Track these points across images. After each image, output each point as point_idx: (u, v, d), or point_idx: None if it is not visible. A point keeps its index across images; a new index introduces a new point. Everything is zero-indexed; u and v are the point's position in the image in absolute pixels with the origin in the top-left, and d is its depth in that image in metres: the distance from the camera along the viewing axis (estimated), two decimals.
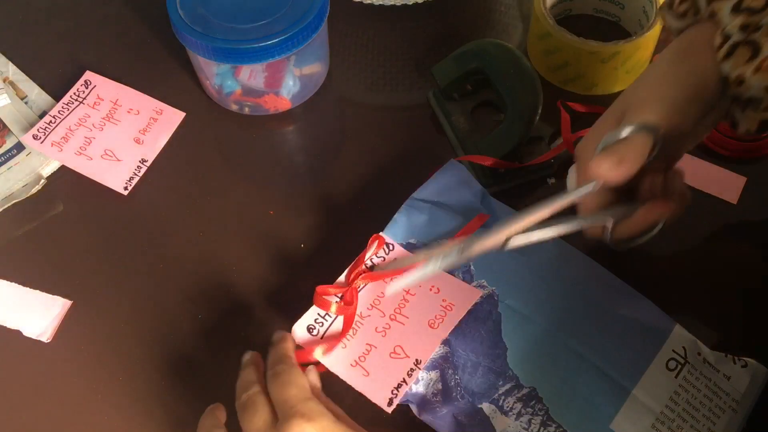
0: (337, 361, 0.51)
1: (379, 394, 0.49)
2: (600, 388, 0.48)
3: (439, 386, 0.50)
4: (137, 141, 0.67)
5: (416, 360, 0.50)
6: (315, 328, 0.52)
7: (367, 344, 0.51)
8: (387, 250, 0.55)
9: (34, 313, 0.58)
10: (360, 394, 0.49)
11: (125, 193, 0.64)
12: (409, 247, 0.56)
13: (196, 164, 0.66)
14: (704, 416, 0.48)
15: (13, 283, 0.60)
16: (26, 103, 0.70)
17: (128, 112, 0.68)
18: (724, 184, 0.62)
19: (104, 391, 0.55)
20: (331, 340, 0.52)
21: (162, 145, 0.67)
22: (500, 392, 0.49)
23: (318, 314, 0.53)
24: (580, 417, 0.47)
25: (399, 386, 0.49)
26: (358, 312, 0.52)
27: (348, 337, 0.52)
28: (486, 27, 0.75)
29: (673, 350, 0.50)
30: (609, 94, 0.68)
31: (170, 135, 0.67)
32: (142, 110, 0.68)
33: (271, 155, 0.68)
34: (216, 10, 0.63)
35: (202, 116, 0.69)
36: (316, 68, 0.69)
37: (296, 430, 0.42)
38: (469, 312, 0.51)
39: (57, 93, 0.70)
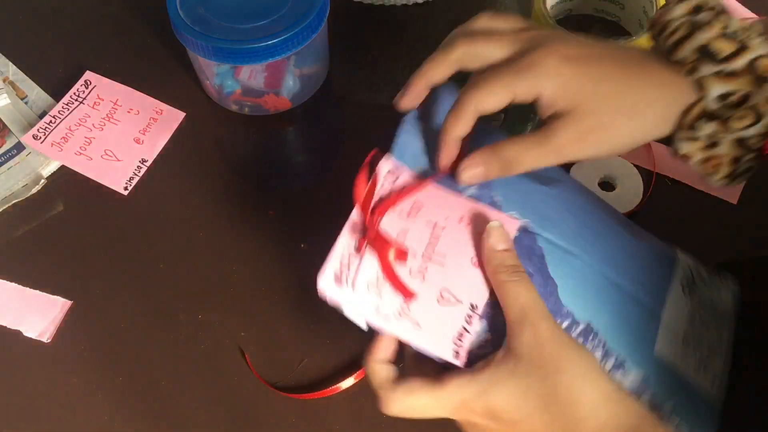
0: (376, 313, 0.44)
1: (441, 347, 0.43)
2: (641, 316, 0.48)
3: (488, 336, 0.44)
4: (137, 141, 0.67)
5: (471, 305, 0.44)
6: (342, 274, 0.45)
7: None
8: (396, 176, 0.47)
9: (34, 313, 0.58)
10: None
11: (125, 193, 0.64)
12: (422, 174, 0.47)
13: (196, 164, 0.66)
14: (715, 328, 0.50)
15: (13, 283, 0.60)
16: (26, 103, 0.70)
17: (128, 112, 0.68)
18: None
19: (104, 391, 0.55)
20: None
21: (162, 145, 0.67)
22: None
23: (342, 256, 0.45)
24: (631, 346, 0.47)
25: (461, 336, 0.43)
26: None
27: (379, 283, 0.44)
28: None
29: (682, 269, 0.51)
30: None
31: (170, 135, 0.67)
32: (142, 110, 0.68)
33: (271, 155, 0.68)
34: (216, 10, 0.63)
35: (202, 116, 0.69)
36: (316, 68, 0.69)
37: (448, 407, 0.40)
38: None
39: (57, 93, 0.70)
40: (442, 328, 0.43)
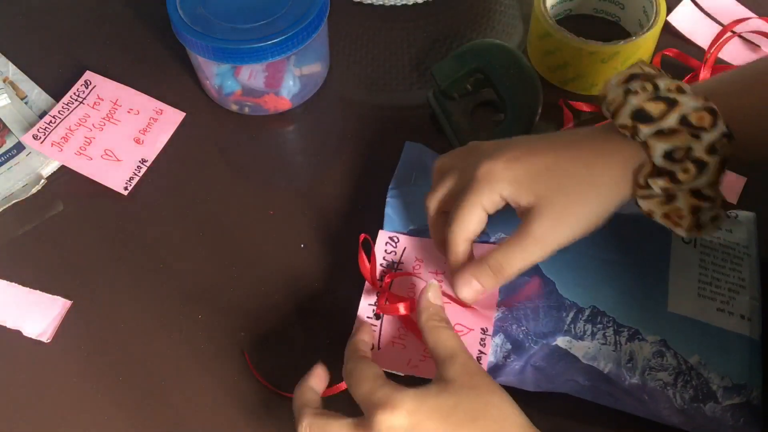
0: (403, 363, 0.50)
1: None
2: (644, 283, 0.51)
3: (508, 346, 0.50)
4: (137, 141, 0.67)
5: (482, 329, 0.50)
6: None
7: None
8: (394, 243, 0.56)
9: (34, 313, 0.58)
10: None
11: (125, 193, 0.64)
12: (412, 231, 0.56)
13: (196, 164, 0.66)
14: (730, 269, 0.52)
15: (13, 283, 0.60)
16: (26, 103, 0.70)
17: (128, 112, 0.68)
18: (724, 184, 0.62)
19: (104, 391, 0.55)
20: (390, 348, 0.51)
21: (162, 145, 0.67)
22: (568, 322, 0.50)
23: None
24: (642, 313, 0.50)
25: (479, 359, 0.49)
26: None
27: (401, 336, 0.51)
28: (486, 27, 0.75)
29: None
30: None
31: (170, 135, 0.67)
32: (142, 110, 0.68)
33: (271, 155, 0.68)
34: (216, 10, 0.63)
35: (202, 116, 0.69)
36: (316, 68, 0.69)
37: (384, 424, 0.41)
38: None
39: (57, 93, 0.70)
40: None
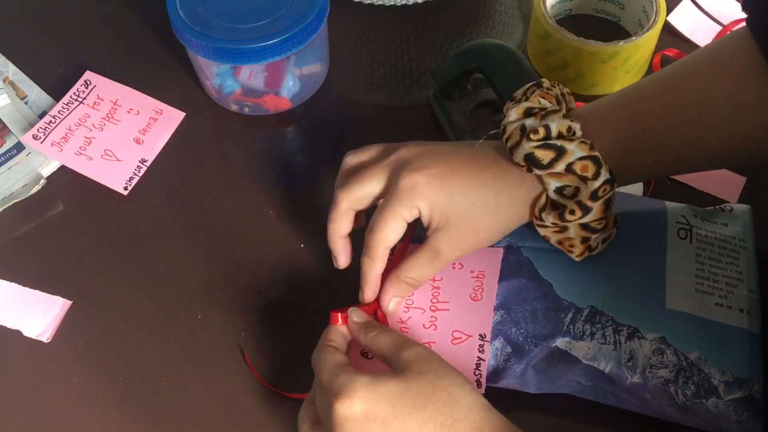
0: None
1: None
2: (640, 281, 0.51)
3: (509, 349, 0.50)
4: (137, 141, 0.67)
5: (480, 335, 0.50)
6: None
7: (426, 343, 0.50)
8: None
9: (34, 313, 0.58)
10: None
11: (125, 193, 0.64)
12: (417, 240, 0.55)
13: (196, 164, 0.66)
14: (727, 263, 0.52)
15: (13, 283, 0.60)
16: (26, 103, 0.70)
17: (128, 112, 0.68)
18: (724, 183, 0.62)
19: (104, 391, 0.55)
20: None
21: (162, 145, 0.67)
22: (567, 323, 0.50)
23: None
24: (640, 311, 0.50)
25: (478, 365, 0.49)
26: (397, 319, 0.52)
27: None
28: (486, 27, 0.75)
29: (676, 222, 0.54)
30: (609, 94, 0.68)
31: (170, 135, 0.67)
32: (142, 110, 0.68)
33: (271, 155, 0.68)
34: (216, 10, 0.63)
35: (202, 116, 0.69)
36: (316, 68, 0.69)
37: (340, 414, 0.42)
38: (501, 269, 0.52)
39: (57, 93, 0.70)
40: (461, 364, 0.47)
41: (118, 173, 0.65)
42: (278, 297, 0.58)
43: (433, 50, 0.73)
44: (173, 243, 0.62)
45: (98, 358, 0.56)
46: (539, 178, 0.48)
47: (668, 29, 0.71)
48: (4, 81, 0.71)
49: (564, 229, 0.49)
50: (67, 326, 0.58)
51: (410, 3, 0.75)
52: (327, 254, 0.60)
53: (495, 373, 0.50)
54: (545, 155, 0.47)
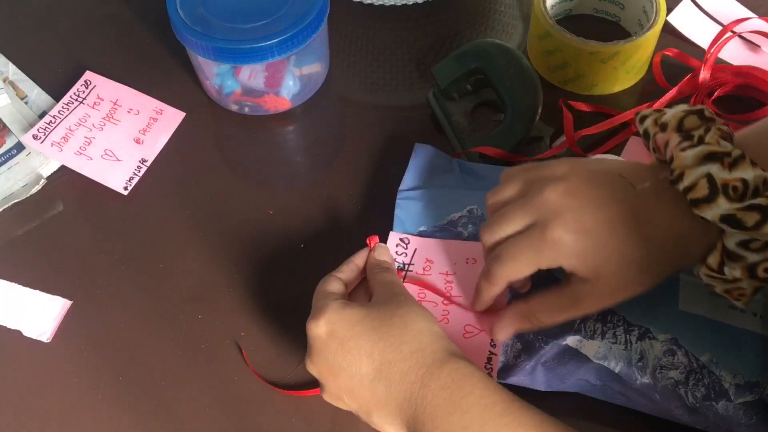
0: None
1: None
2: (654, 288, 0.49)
3: (519, 346, 0.50)
4: (137, 141, 0.67)
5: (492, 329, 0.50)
6: None
7: None
8: (405, 245, 0.56)
9: (34, 313, 0.58)
10: None
11: (125, 193, 0.64)
12: (422, 233, 0.56)
13: (196, 164, 0.66)
14: None
15: (13, 283, 0.60)
16: (26, 103, 0.70)
17: (128, 112, 0.68)
18: None
19: (104, 391, 0.55)
20: None
21: (162, 145, 0.67)
22: (578, 322, 0.50)
23: None
24: (653, 312, 0.50)
25: (490, 359, 0.49)
26: None
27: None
28: (486, 27, 0.75)
29: None
30: (609, 94, 0.68)
31: (170, 135, 0.67)
32: (142, 110, 0.68)
33: (271, 155, 0.68)
34: (216, 10, 0.63)
35: (202, 116, 0.69)
36: (316, 68, 0.69)
37: (311, 333, 0.47)
38: None
39: (57, 93, 0.70)
40: (473, 358, 0.46)
41: (118, 173, 0.65)
42: (278, 297, 0.58)
43: (433, 50, 0.73)
44: (173, 243, 0.62)
45: (98, 358, 0.56)
46: (718, 228, 0.42)
47: (668, 29, 0.71)
48: (4, 81, 0.71)
49: (737, 279, 0.44)
50: (67, 326, 0.58)
51: (410, 3, 0.75)
52: (327, 254, 0.60)
53: (504, 370, 0.50)
54: (750, 218, 0.41)
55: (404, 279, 0.54)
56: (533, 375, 0.50)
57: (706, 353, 0.48)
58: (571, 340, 0.50)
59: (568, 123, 0.63)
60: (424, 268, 0.54)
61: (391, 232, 0.56)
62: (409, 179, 0.60)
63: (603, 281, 0.45)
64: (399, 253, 0.55)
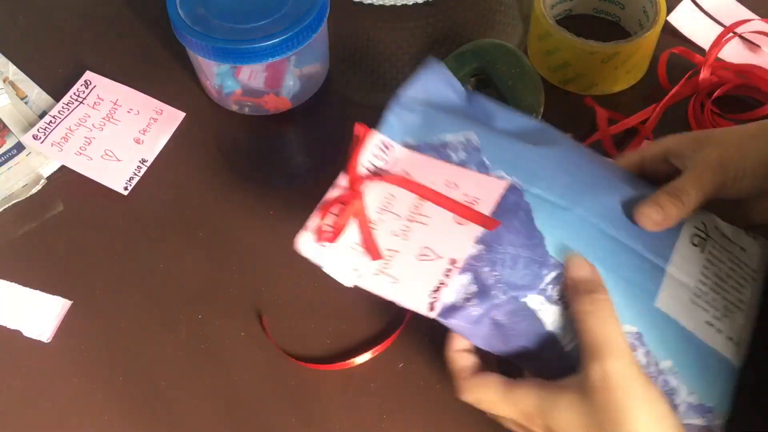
0: (355, 272, 0.46)
1: (416, 301, 0.44)
2: (639, 269, 0.47)
3: (474, 288, 0.45)
4: (137, 141, 0.67)
5: (451, 260, 0.44)
6: (323, 235, 0.47)
7: (387, 250, 0.45)
8: (385, 150, 0.49)
9: (34, 313, 0.58)
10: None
11: (125, 193, 0.64)
12: (408, 145, 0.49)
13: (196, 164, 0.66)
14: (732, 287, 0.49)
15: (13, 283, 0.60)
16: (26, 103, 0.70)
17: (128, 112, 0.68)
18: None
19: (104, 391, 0.55)
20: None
21: (162, 145, 0.67)
22: (546, 281, 0.45)
23: (323, 221, 0.47)
24: (626, 299, 0.46)
25: (438, 289, 0.44)
26: (367, 218, 0.46)
27: (361, 244, 0.46)
28: (486, 27, 0.75)
29: (694, 226, 0.50)
30: (609, 94, 0.68)
31: (170, 135, 0.67)
32: (142, 110, 0.68)
33: (271, 155, 0.68)
34: (216, 10, 0.63)
35: (202, 116, 0.69)
36: (316, 68, 0.69)
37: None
38: (497, 205, 0.46)
39: (57, 93, 0.70)
40: (419, 282, 0.44)
41: (118, 173, 0.65)
42: (278, 297, 0.58)
43: (433, 50, 0.73)
44: (173, 243, 0.62)
45: (98, 358, 0.56)
46: None
47: (668, 29, 0.71)
48: (4, 81, 0.71)
49: None
50: (67, 326, 0.58)
51: (410, 3, 0.75)
52: None
53: (449, 310, 0.44)
54: None
55: (373, 178, 0.48)
56: (477, 325, 0.45)
57: (669, 360, 0.45)
58: (531, 299, 0.44)
59: (602, 121, 0.64)
60: (398, 178, 0.48)
61: (374, 131, 0.49)
62: (411, 90, 0.52)
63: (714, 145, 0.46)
64: (376, 156, 0.49)
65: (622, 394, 0.39)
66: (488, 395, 0.44)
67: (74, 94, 0.69)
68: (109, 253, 0.61)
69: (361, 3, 0.75)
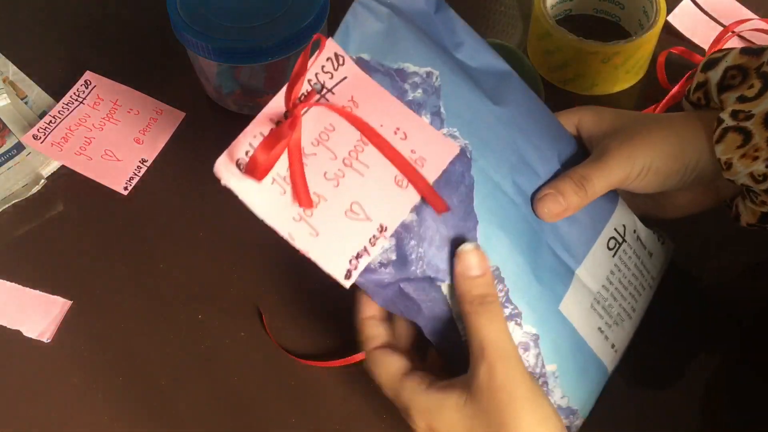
0: (275, 210, 0.41)
1: (334, 262, 0.40)
2: (552, 269, 0.45)
3: (393, 257, 0.41)
4: (137, 141, 0.67)
5: (380, 225, 0.40)
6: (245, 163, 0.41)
7: (314, 193, 0.40)
8: (335, 64, 0.41)
9: (34, 313, 0.58)
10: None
11: (125, 193, 0.64)
12: (361, 62, 0.41)
13: (196, 164, 0.66)
14: (630, 294, 0.48)
15: (13, 283, 0.60)
16: (26, 103, 0.70)
17: (128, 112, 0.68)
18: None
19: (104, 391, 0.55)
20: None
21: (162, 145, 0.67)
22: None
23: (250, 145, 0.41)
24: (534, 299, 0.44)
25: (359, 256, 0.39)
26: (302, 149, 0.40)
27: (287, 180, 0.40)
28: (486, 27, 0.75)
29: (614, 228, 0.47)
30: (609, 93, 0.68)
31: (170, 135, 0.67)
32: (142, 110, 0.68)
33: None
34: (216, 10, 0.63)
35: (202, 116, 0.69)
36: None
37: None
38: (443, 172, 0.41)
39: (57, 93, 0.70)
40: (342, 243, 0.40)
41: (118, 173, 0.65)
42: (279, 298, 0.58)
43: None
44: (173, 243, 0.62)
45: (98, 358, 0.56)
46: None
47: (668, 29, 0.71)
48: (4, 81, 0.71)
49: (748, 136, 0.43)
50: (67, 326, 0.58)
51: None
52: None
53: (365, 269, 0.41)
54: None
55: (313, 102, 0.40)
56: (383, 289, 0.42)
57: (554, 364, 0.44)
58: (446, 286, 0.42)
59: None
60: (343, 106, 0.40)
61: (329, 38, 0.41)
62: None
63: (623, 131, 0.46)
64: (324, 70, 0.41)
65: (507, 396, 0.38)
66: (382, 377, 0.42)
67: (74, 94, 0.69)
68: (109, 253, 0.61)
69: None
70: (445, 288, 0.42)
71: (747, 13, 0.72)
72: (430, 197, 0.40)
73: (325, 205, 0.40)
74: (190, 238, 0.62)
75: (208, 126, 0.69)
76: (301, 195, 0.39)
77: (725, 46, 0.68)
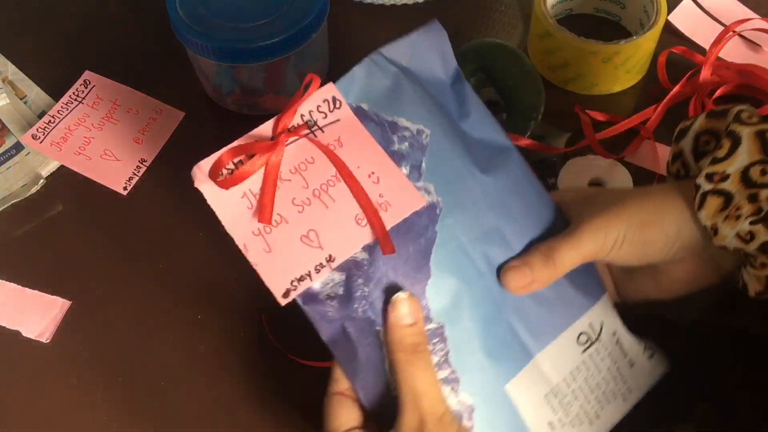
0: (238, 221, 0.42)
1: (277, 279, 0.41)
2: (506, 345, 0.44)
3: (340, 291, 0.42)
4: (137, 141, 0.67)
5: (329, 255, 0.41)
6: (224, 172, 0.44)
7: (277, 214, 0.42)
8: (331, 106, 0.44)
9: (33, 313, 0.58)
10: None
11: (125, 193, 0.64)
12: (359, 110, 0.44)
13: (196, 164, 0.66)
14: (596, 398, 0.45)
15: (12, 283, 0.60)
16: (25, 102, 0.69)
17: (127, 111, 0.68)
18: None
19: (104, 391, 0.55)
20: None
21: (161, 145, 0.67)
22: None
23: (232, 162, 0.44)
24: (477, 369, 0.43)
25: (302, 279, 0.41)
26: (281, 174, 0.43)
27: (257, 197, 0.43)
28: (486, 27, 0.75)
29: (589, 324, 0.45)
30: (609, 93, 0.68)
31: (170, 135, 0.67)
32: (141, 110, 0.68)
33: None
34: (216, 10, 0.63)
35: (202, 116, 0.69)
36: (315, 68, 0.69)
37: None
38: (404, 220, 0.42)
39: (56, 93, 0.70)
40: (289, 263, 0.41)
41: (117, 173, 0.65)
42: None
43: None
44: (173, 243, 0.62)
45: (98, 358, 0.56)
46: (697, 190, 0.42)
47: (669, 29, 0.71)
48: (3, 81, 0.71)
49: (729, 198, 0.42)
50: (67, 326, 0.58)
51: (410, 3, 0.75)
52: None
53: (311, 296, 0.42)
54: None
55: (300, 134, 0.43)
56: (328, 324, 0.42)
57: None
58: (383, 332, 0.42)
59: (587, 128, 0.63)
60: (329, 144, 0.43)
61: (331, 83, 0.44)
62: (396, 48, 0.46)
63: (596, 204, 0.45)
64: (320, 110, 0.43)
65: None
66: (330, 426, 0.43)
67: (73, 93, 0.69)
68: (109, 253, 0.61)
69: (361, 3, 0.75)
70: (381, 333, 0.42)
71: (748, 13, 0.72)
72: (382, 239, 0.41)
73: (286, 226, 0.42)
74: (190, 238, 0.62)
75: (208, 126, 0.69)
76: (265, 211, 0.42)
77: (726, 46, 0.68)
